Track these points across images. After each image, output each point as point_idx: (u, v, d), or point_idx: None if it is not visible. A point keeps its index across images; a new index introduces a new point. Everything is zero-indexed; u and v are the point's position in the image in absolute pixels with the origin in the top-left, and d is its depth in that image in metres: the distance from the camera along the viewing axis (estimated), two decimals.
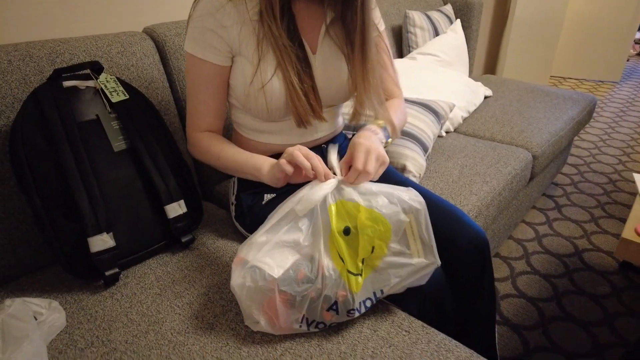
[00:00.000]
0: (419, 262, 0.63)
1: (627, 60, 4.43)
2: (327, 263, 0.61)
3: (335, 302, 0.62)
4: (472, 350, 0.66)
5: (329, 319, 0.64)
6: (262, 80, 0.76)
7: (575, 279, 1.45)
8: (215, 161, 0.85)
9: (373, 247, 0.62)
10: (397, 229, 0.62)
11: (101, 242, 0.75)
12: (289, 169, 0.68)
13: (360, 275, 0.62)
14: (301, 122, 0.81)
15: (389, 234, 0.62)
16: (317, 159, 0.67)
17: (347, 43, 0.81)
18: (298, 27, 0.78)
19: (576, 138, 2.62)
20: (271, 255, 0.62)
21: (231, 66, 0.80)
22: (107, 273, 0.76)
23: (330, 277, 0.61)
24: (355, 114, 0.87)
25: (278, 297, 0.61)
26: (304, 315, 0.63)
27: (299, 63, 0.77)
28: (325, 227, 0.63)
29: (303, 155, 0.67)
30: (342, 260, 0.62)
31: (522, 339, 1.22)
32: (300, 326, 0.64)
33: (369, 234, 0.61)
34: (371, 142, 0.70)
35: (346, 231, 0.62)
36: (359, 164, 0.66)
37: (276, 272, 0.61)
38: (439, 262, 0.65)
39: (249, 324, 0.66)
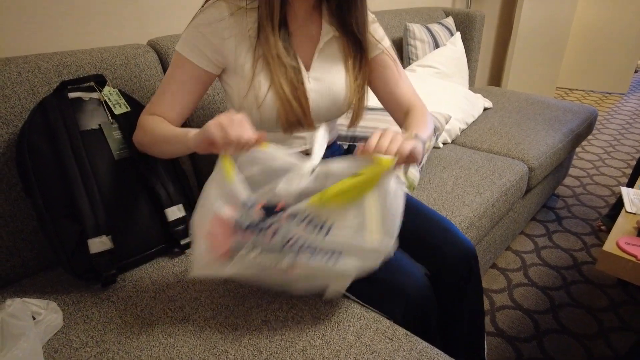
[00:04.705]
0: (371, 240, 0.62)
1: (635, 72, 4.40)
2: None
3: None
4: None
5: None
6: (256, 94, 0.79)
7: (573, 291, 1.45)
8: (149, 137, 0.78)
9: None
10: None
11: (100, 244, 0.79)
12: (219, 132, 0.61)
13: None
14: (291, 133, 0.85)
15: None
16: (239, 127, 0.61)
17: (348, 57, 0.86)
18: (294, 45, 0.81)
19: (579, 150, 2.61)
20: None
21: (218, 76, 0.83)
22: (105, 274, 0.79)
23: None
24: (353, 122, 0.92)
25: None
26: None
27: (294, 80, 0.80)
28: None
29: (222, 124, 0.61)
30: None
31: (516, 351, 1.22)
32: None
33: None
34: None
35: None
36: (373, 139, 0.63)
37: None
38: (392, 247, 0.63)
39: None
